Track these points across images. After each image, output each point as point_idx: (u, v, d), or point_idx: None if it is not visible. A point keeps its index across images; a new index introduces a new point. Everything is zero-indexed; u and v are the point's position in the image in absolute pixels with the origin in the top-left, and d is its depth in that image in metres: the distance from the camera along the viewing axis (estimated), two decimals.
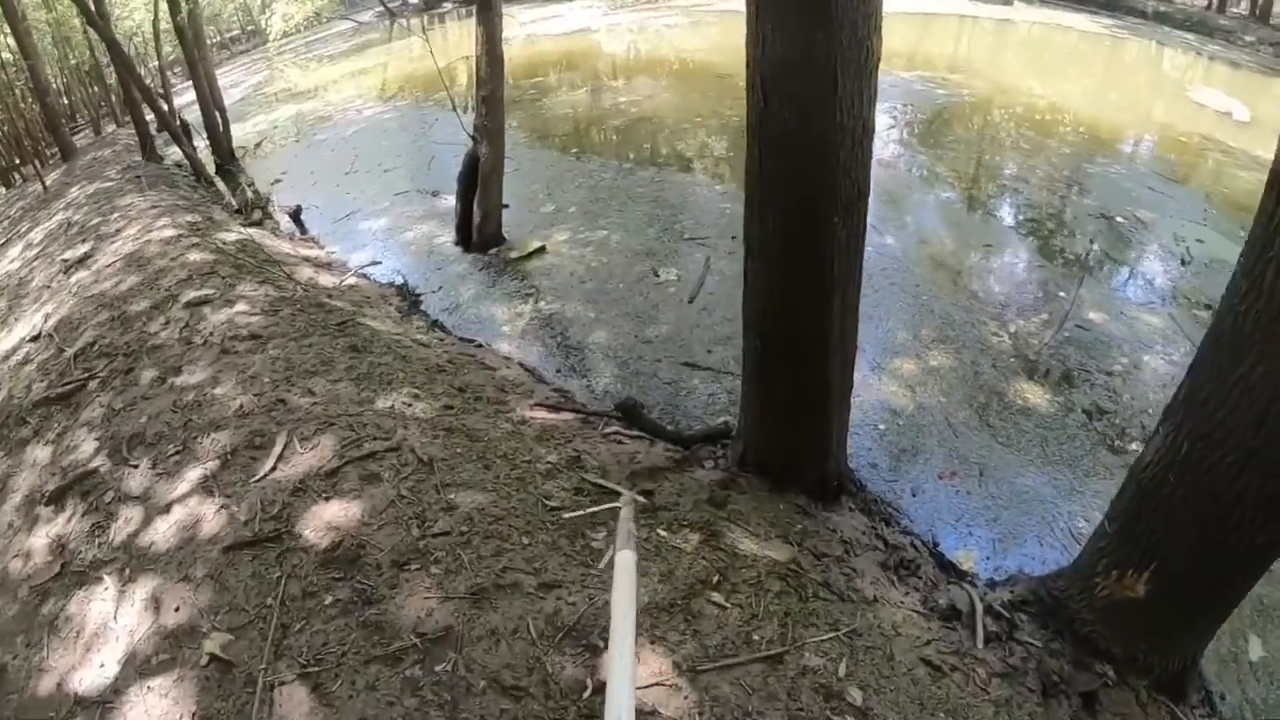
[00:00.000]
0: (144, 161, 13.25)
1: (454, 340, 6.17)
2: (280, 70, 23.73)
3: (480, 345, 6.19)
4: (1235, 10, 23.50)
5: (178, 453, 3.88)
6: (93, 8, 11.36)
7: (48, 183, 13.58)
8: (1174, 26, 21.88)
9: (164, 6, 13.38)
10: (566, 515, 3.41)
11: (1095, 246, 7.66)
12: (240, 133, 14.84)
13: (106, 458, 4.06)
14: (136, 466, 3.87)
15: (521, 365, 5.88)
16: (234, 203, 10.99)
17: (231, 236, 8.07)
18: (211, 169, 12.88)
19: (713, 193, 8.92)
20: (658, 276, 6.95)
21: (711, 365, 5.74)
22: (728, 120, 11.69)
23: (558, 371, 5.82)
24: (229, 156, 13.31)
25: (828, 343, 3.49)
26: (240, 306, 5.69)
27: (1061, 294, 6.70)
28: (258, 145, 14.33)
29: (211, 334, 5.21)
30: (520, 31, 20.40)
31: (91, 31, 12.96)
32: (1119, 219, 8.33)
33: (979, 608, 3.30)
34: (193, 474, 3.67)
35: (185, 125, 14.01)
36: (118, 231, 8.32)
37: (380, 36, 24.96)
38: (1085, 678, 2.98)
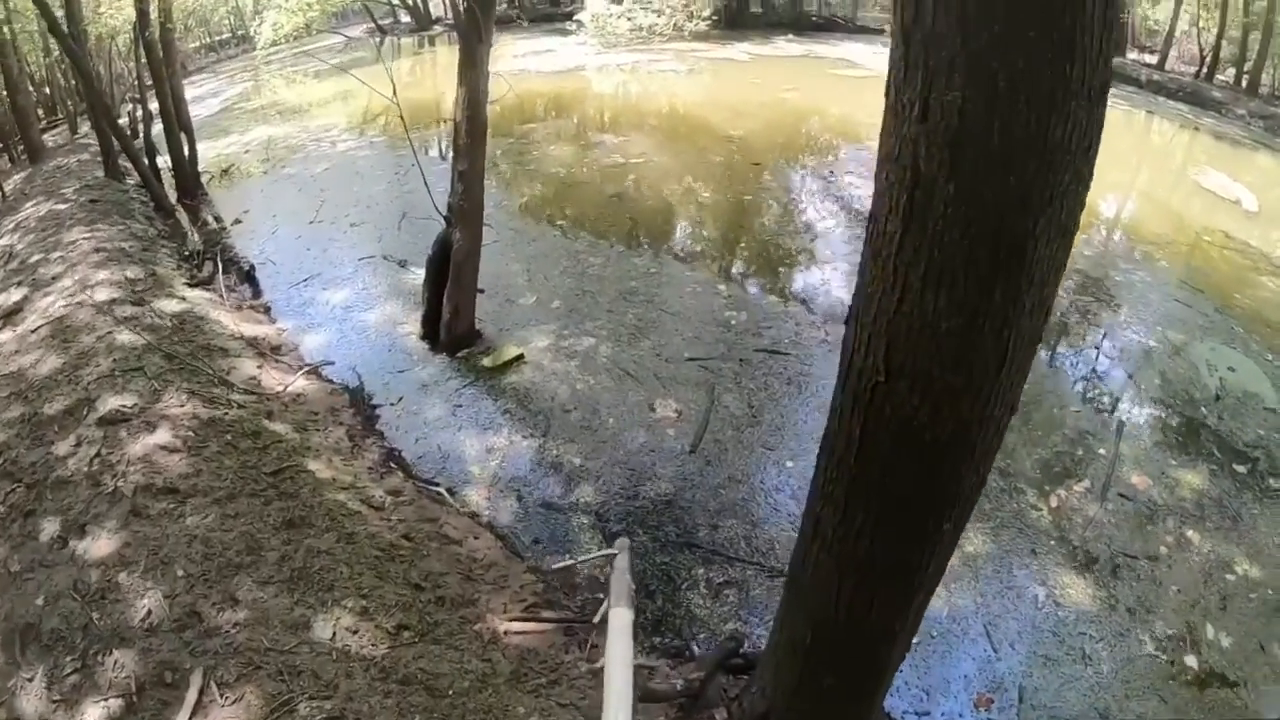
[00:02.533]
0: (105, 179, 12.43)
1: (412, 490, 5.29)
2: (263, 82, 22.61)
3: (444, 493, 5.33)
4: (1221, 78, 23.78)
5: (76, 671, 3.28)
6: (59, 14, 10.18)
7: (8, 189, 12.97)
8: (1167, 96, 21.99)
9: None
10: None
11: (1132, 386, 7.08)
12: (211, 152, 14.02)
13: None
14: (31, 679, 3.29)
15: (492, 530, 5.05)
16: (190, 240, 9.83)
17: (172, 306, 7.29)
18: (174, 194, 12.01)
19: (716, 297, 8.03)
20: (654, 411, 6.13)
21: (717, 547, 4.95)
22: (733, 200, 10.93)
23: (535, 542, 4.99)
24: (193, 182, 12.32)
25: (894, 637, 2.82)
26: (161, 435, 4.89)
27: (1101, 450, 6.04)
28: (225, 171, 13.42)
29: (125, 475, 4.48)
30: (512, 65, 19.41)
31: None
32: (1152, 342, 7.79)
33: None
34: (92, 714, 3.06)
35: (152, 146, 12.81)
36: (54, 280, 7.63)
37: (368, 55, 23.81)
38: None
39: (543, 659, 3.78)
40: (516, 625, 4.00)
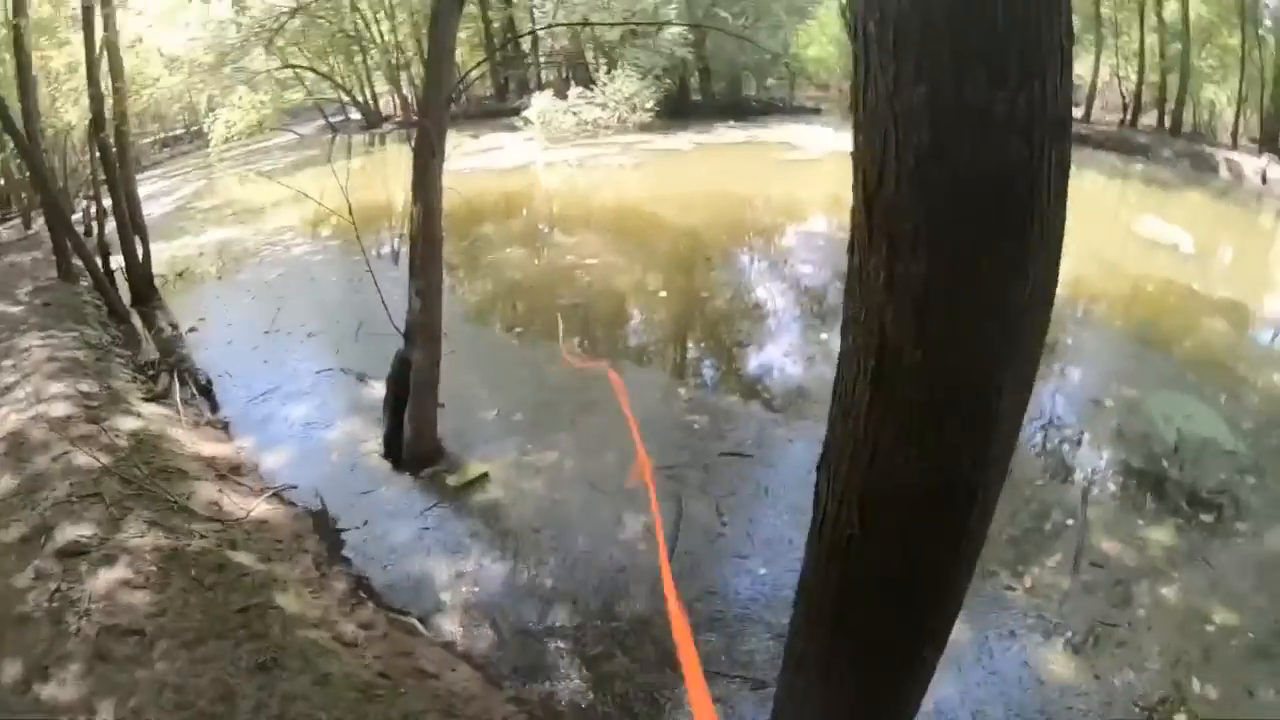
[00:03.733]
0: (58, 280, 12.36)
1: (384, 621, 5.13)
2: (217, 180, 22.59)
3: (417, 624, 5.20)
4: (1146, 121, 24.95)
5: None
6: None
7: None
8: (1095, 147, 22.84)
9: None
10: None
11: (1092, 449, 7.28)
12: (166, 254, 13.88)
13: None
14: None
15: (469, 660, 4.90)
16: (145, 349, 9.66)
17: (128, 424, 7.11)
18: (128, 297, 11.85)
19: (677, 401, 8.07)
20: (623, 525, 6.05)
21: (701, 664, 4.64)
22: (687, 297, 11.08)
23: (514, 671, 4.85)
24: (148, 286, 12.14)
25: None
26: (122, 570, 4.76)
27: (1069, 521, 6.15)
28: (179, 275, 13.28)
29: (87, 615, 4.33)
30: (462, 164, 19.66)
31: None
32: (1107, 401, 8.04)
33: None
34: None
35: (105, 247, 12.68)
36: (7, 390, 7.52)
37: (320, 153, 24.03)
38: None
39: None
40: None
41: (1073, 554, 5.76)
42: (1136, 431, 7.43)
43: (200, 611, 4.49)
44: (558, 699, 4.60)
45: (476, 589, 5.47)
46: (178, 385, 8.66)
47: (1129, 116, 25.14)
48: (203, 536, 5.40)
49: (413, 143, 6.41)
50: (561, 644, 5.00)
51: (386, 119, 31.52)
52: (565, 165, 21.17)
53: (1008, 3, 1.52)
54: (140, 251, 12.00)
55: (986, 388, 1.82)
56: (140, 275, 12.08)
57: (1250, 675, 4.74)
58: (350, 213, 6.24)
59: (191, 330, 10.63)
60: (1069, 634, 5.07)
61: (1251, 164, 20.29)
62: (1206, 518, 6.19)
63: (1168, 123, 24.18)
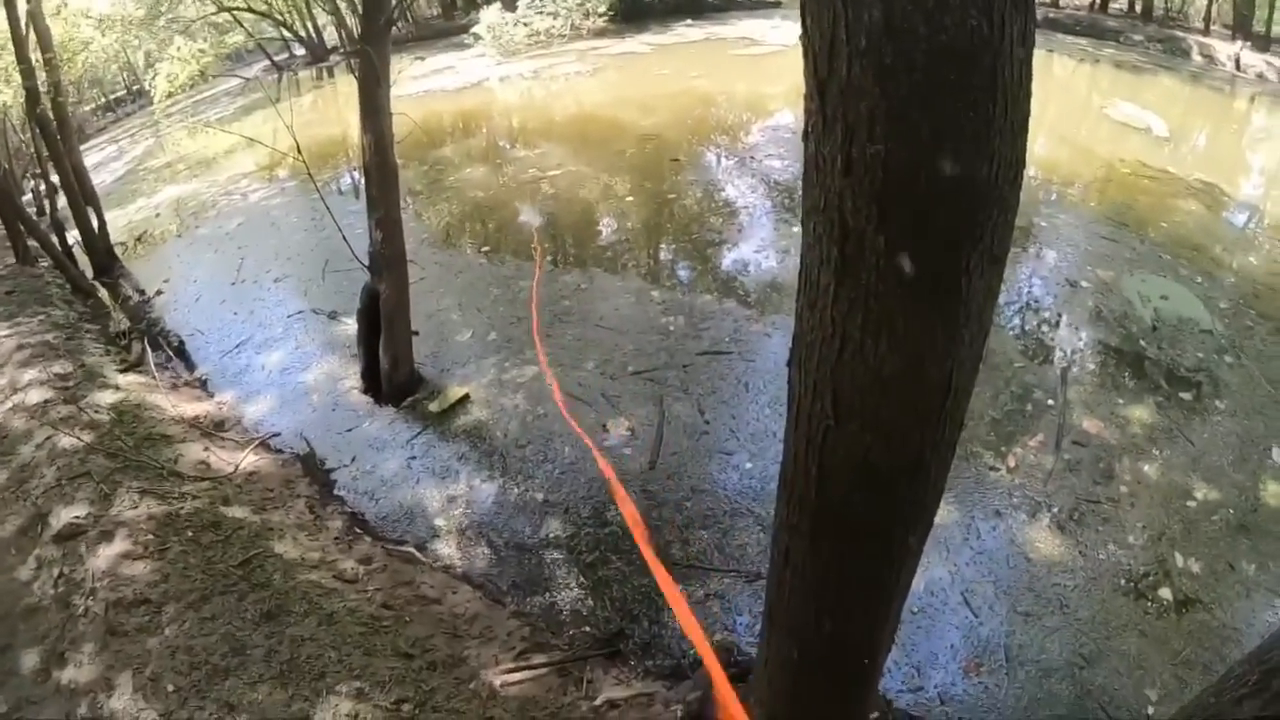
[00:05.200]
0: (17, 265, 11.88)
1: (382, 554, 5.22)
2: (166, 136, 21.97)
3: (414, 552, 5.28)
4: (1117, 6, 24.69)
5: None
6: None
7: None
8: (1065, 32, 22.73)
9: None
10: None
11: (1070, 330, 7.27)
12: (122, 220, 13.57)
13: None
14: None
15: (468, 582, 5.02)
16: (114, 320, 9.52)
17: (107, 398, 7.03)
18: (90, 272, 11.49)
19: (651, 304, 8.02)
20: (608, 432, 6.12)
21: (692, 560, 5.01)
22: (655, 200, 10.90)
23: (513, 586, 4.97)
24: (108, 257, 11.85)
25: (878, 642, 2.87)
26: (120, 543, 4.77)
27: (1049, 401, 6.25)
28: (139, 239, 12.95)
29: (93, 594, 4.37)
30: (414, 87, 19.12)
31: None
32: (1083, 283, 8.03)
33: None
34: None
35: (59, 224, 12.37)
36: None
37: (269, 94, 23.37)
38: None
39: (543, 705, 3.81)
40: (511, 676, 4.01)
41: (1054, 434, 5.88)
42: (1114, 312, 7.49)
43: (201, 571, 4.55)
44: (558, 609, 4.73)
45: (469, 511, 5.55)
46: (150, 352, 8.57)
47: (1099, 1, 24.64)
48: (195, 497, 5.42)
49: (353, 69, 6.16)
50: (557, 555, 5.11)
51: (332, 51, 30.42)
52: (520, 78, 20.55)
53: None
54: (95, 222, 11.66)
55: (955, 269, 1.78)
56: (99, 246, 11.74)
57: (1232, 550, 4.92)
58: (299, 152, 6.04)
59: (158, 294, 10.40)
60: (1054, 512, 5.22)
61: (1225, 49, 20.11)
62: (1186, 396, 6.32)
63: (1139, 8, 23.86)
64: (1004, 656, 4.30)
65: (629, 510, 3.37)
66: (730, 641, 4.31)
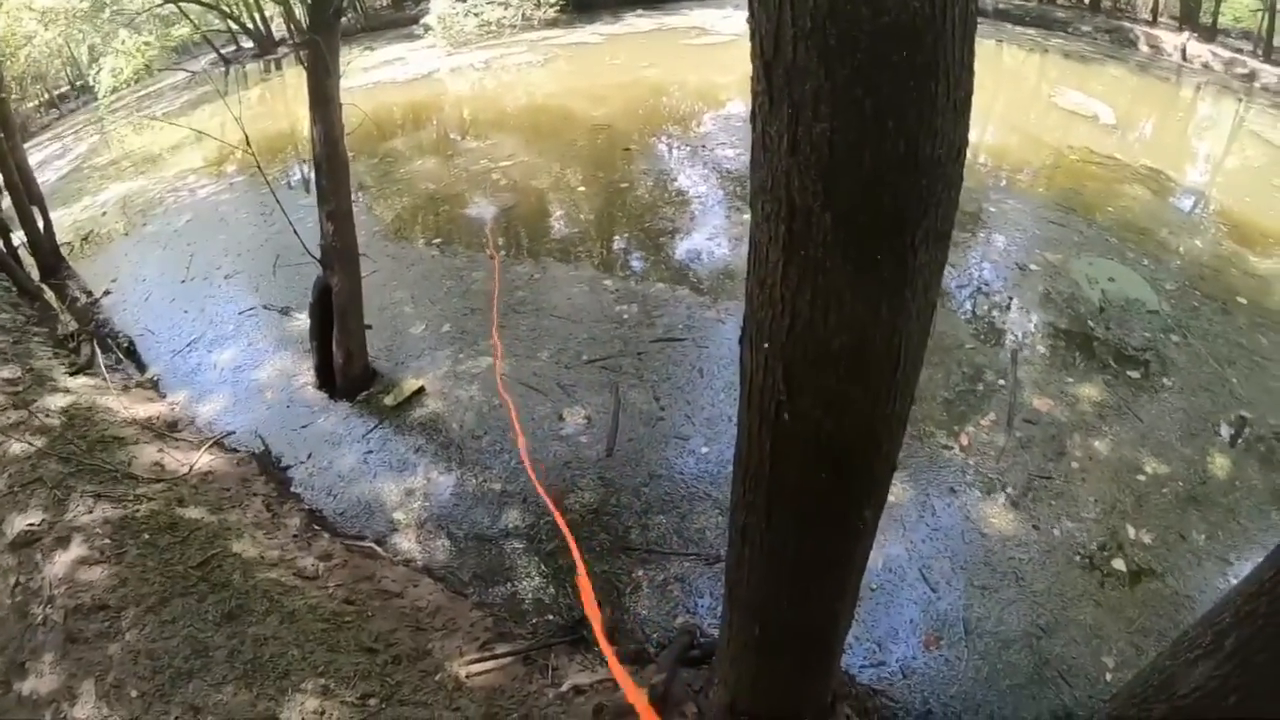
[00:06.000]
0: None
1: (341, 550, 5.19)
2: (111, 133, 21.34)
3: (373, 548, 5.23)
4: None
5: None
6: None
7: None
8: (1014, 23, 22.94)
9: None
10: None
11: (1020, 312, 7.44)
12: (68, 219, 13.09)
13: None
14: None
15: (429, 574, 4.99)
16: (62, 323, 9.24)
17: (57, 402, 6.88)
18: (36, 273, 11.08)
19: (604, 293, 8.03)
20: (564, 421, 6.15)
21: (651, 545, 5.05)
22: (607, 190, 10.88)
23: (475, 578, 4.96)
24: (54, 258, 11.44)
25: (837, 617, 2.99)
26: (77, 550, 4.70)
27: (1000, 381, 6.40)
28: (85, 239, 12.52)
29: (51, 601, 4.30)
30: (364, 79, 18.84)
31: None
32: (1032, 266, 8.20)
33: None
34: None
35: (4, 225, 11.96)
36: None
37: (214, 91, 22.80)
38: None
39: (509, 694, 3.83)
40: (476, 666, 4.02)
41: (1006, 413, 6.02)
42: (1062, 294, 7.67)
43: (160, 574, 4.49)
44: (520, 598, 4.75)
45: (427, 504, 5.54)
46: (100, 354, 8.37)
47: None
48: (150, 499, 5.34)
49: (302, 60, 6.06)
50: (517, 544, 5.12)
51: (280, 43, 29.78)
52: (471, 69, 20.31)
53: None
54: (41, 223, 11.35)
55: (901, 244, 1.83)
56: (45, 247, 11.42)
57: (1182, 521, 5.10)
58: (249, 145, 5.95)
59: (106, 294, 10.13)
60: (1007, 488, 5.35)
61: (1171, 39, 20.50)
62: (1134, 374, 6.50)
63: (1087, 0, 24.06)
64: (963, 630, 4.42)
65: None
66: (692, 625, 4.36)
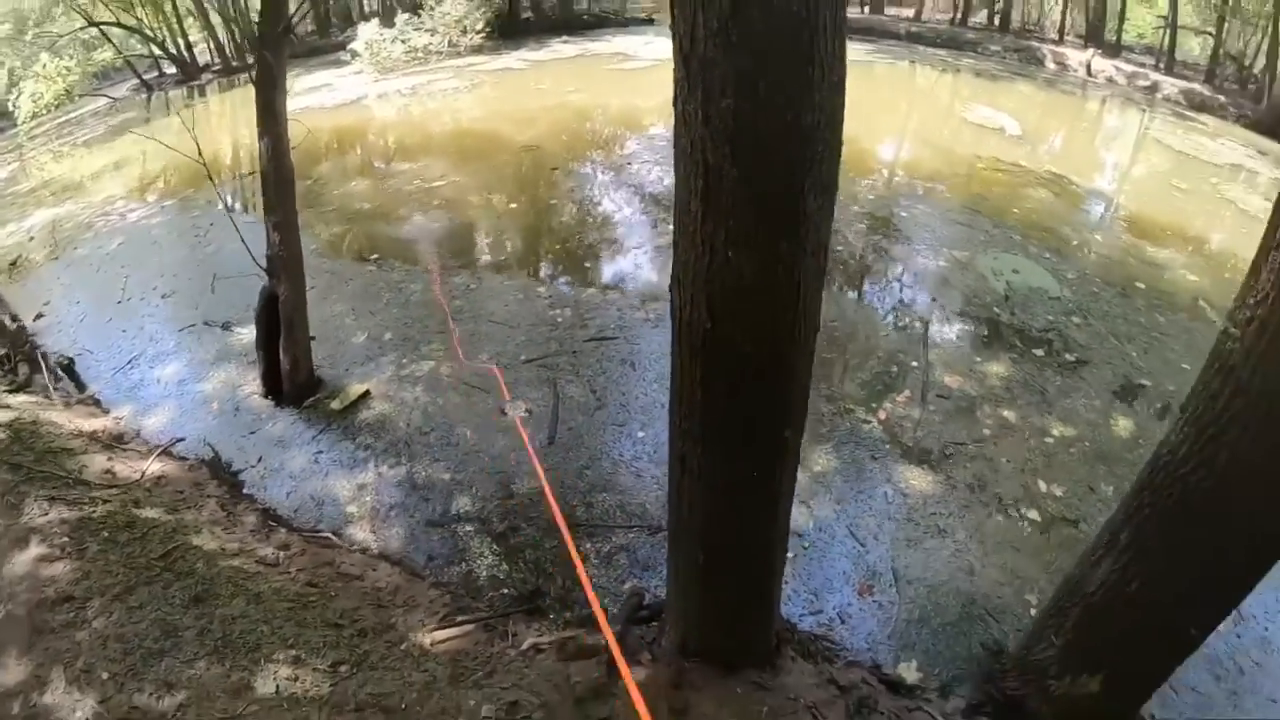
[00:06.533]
0: None
1: (299, 541, 5.36)
2: (32, 159, 20.78)
3: (330, 538, 5.44)
4: (975, 20, 26.23)
5: None
6: None
7: None
8: (927, 45, 23.98)
9: None
10: None
11: (930, 303, 8.05)
12: None
13: None
14: None
15: (386, 560, 5.22)
16: None
17: (1, 417, 6.72)
18: None
19: (538, 300, 8.39)
20: (506, 415, 6.38)
21: (596, 521, 5.39)
22: (536, 206, 11.28)
23: (430, 560, 5.21)
24: None
25: (773, 542, 3.41)
26: (36, 548, 4.72)
27: (914, 363, 6.94)
28: (13, 264, 12.20)
29: (13, 598, 4.30)
30: (291, 105, 18.56)
31: None
32: (940, 262, 8.83)
33: None
34: None
35: None
36: None
37: (138, 115, 22.41)
38: None
39: (474, 656, 4.06)
40: (439, 634, 4.26)
41: (920, 389, 6.52)
42: (969, 286, 8.28)
43: (123, 566, 4.58)
44: (475, 576, 5.01)
45: (379, 496, 5.75)
46: (37, 373, 8.33)
47: (960, 15, 26.17)
48: (105, 502, 5.40)
49: (252, 76, 6.26)
50: (469, 528, 5.38)
51: (204, 68, 29.35)
52: (398, 95, 20.41)
53: None
54: None
55: (794, 190, 2.30)
56: None
57: (1091, 475, 5.64)
58: (200, 154, 6.17)
59: (39, 317, 10.01)
60: (924, 454, 5.83)
61: (1076, 57, 21.77)
62: (1038, 352, 7.08)
63: (997, 20, 25.39)
64: (892, 578, 4.85)
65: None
66: (640, 588, 4.68)
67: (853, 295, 8.35)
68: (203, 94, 25.77)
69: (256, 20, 6.41)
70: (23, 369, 8.51)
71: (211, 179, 6.98)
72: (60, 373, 8.40)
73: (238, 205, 13.19)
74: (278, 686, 3.69)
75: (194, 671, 3.76)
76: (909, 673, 4.28)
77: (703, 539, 3.32)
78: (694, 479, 3.11)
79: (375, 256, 9.82)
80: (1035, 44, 23.22)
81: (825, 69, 2.16)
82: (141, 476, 5.97)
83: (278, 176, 6.39)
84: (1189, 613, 3.15)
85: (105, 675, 3.72)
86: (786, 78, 2.14)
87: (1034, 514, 5.32)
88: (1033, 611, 4.57)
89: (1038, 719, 3.75)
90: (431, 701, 3.61)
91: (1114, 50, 22.09)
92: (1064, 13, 24.40)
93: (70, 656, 3.85)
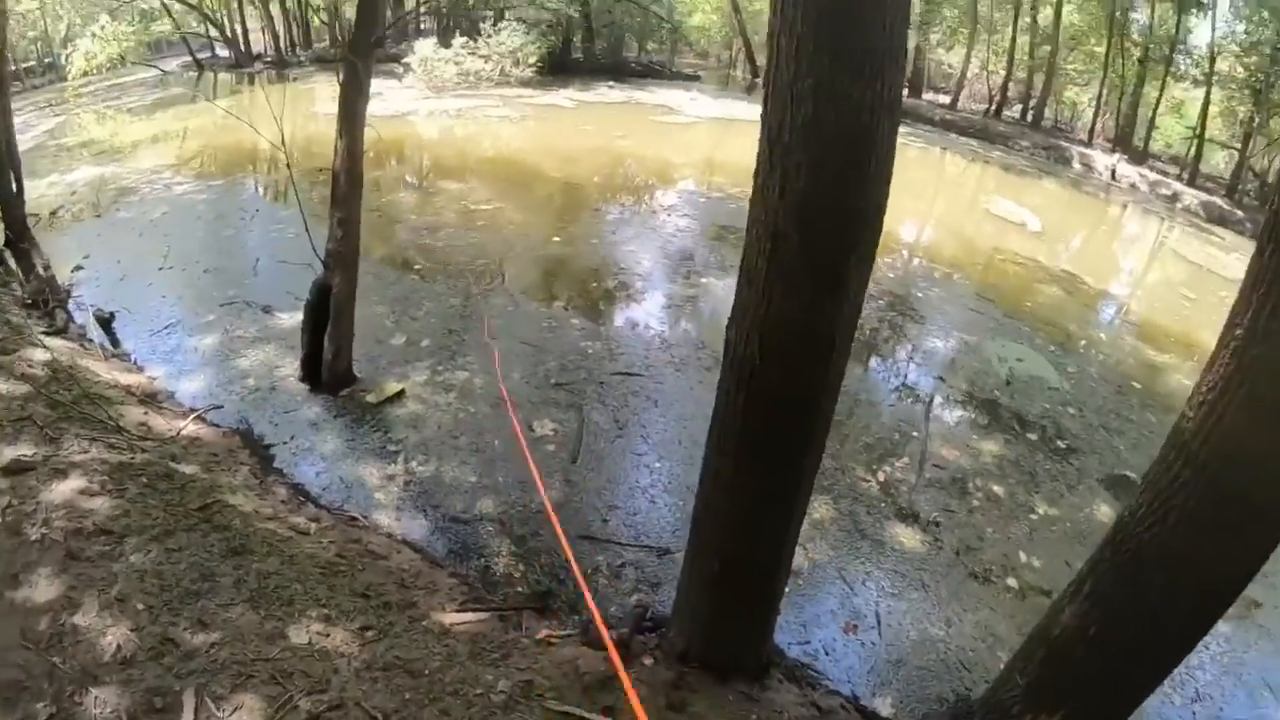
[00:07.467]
0: None
1: (329, 517, 5.70)
2: (77, 117, 21.16)
3: (357, 519, 5.77)
4: (1009, 114, 27.18)
5: (52, 716, 3.11)
6: None
7: None
8: (959, 133, 24.88)
9: None
10: None
11: (935, 379, 8.51)
12: (34, 193, 12.87)
13: None
14: None
15: (409, 546, 5.53)
16: (25, 292, 9.28)
17: (39, 355, 6.97)
18: (2, 238, 10.91)
19: (572, 330, 8.87)
20: (533, 431, 6.82)
21: (611, 537, 5.75)
22: (576, 242, 11.87)
23: (450, 553, 5.54)
24: (21, 226, 11.27)
25: (782, 559, 3.84)
26: (75, 480, 4.84)
27: (914, 433, 7.33)
28: (53, 214, 12.51)
29: (49, 523, 4.35)
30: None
31: None
32: (949, 343, 9.36)
33: None
34: None
35: None
36: None
37: (184, 93, 22.85)
38: None
39: (490, 640, 4.35)
40: (458, 617, 4.58)
41: (918, 458, 6.91)
42: (974, 368, 8.77)
43: (162, 511, 4.78)
44: (493, 572, 5.36)
45: (407, 488, 6.10)
46: (74, 322, 8.56)
47: (994, 108, 27.18)
48: (144, 450, 5.67)
49: (340, 77, 6.69)
50: (490, 527, 5.75)
51: (256, 58, 29.98)
52: (444, 115, 21.09)
53: (867, 30, 2.52)
54: (15, 186, 11.32)
55: (841, 260, 2.85)
56: (14, 214, 11.38)
57: (1069, 552, 5.99)
58: (283, 140, 6.58)
59: (78, 269, 10.30)
60: (915, 516, 6.20)
61: (1102, 160, 22.62)
62: (1032, 436, 7.50)
63: (1030, 116, 26.31)
64: (875, 620, 5.22)
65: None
66: (646, 600, 5.02)
67: (864, 365, 8.78)
68: (251, 82, 26.28)
69: (351, 29, 6.80)
70: (60, 314, 8.72)
71: (289, 166, 7.28)
72: (99, 326, 8.65)
73: (269, 198, 13.72)
74: (310, 639, 3.94)
75: (230, 615, 3.95)
76: (884, 707, 4.63)
77: (721, 550, 3.75)
78: (721, 493, 3.60)
79: (419, 267, 10.26)
80: (1064, 144, 24.06)
81: (878, 167, 2.72)
82: (178, 434, 6.25)
83: (349, 177, 6.85)
84: (1141, 656, 3.49)
85: (141, 606, 3.80)
86: (847, 170, 2.69)
87: (1012, 581, 5.68)
88: (1000, 667, 4.82)
89: None
90: (453, 671, 3.90)
91: (1140, 157, 22.90)
92: (1095, 115, 25.35)
93: (104, 584, 3.92)
